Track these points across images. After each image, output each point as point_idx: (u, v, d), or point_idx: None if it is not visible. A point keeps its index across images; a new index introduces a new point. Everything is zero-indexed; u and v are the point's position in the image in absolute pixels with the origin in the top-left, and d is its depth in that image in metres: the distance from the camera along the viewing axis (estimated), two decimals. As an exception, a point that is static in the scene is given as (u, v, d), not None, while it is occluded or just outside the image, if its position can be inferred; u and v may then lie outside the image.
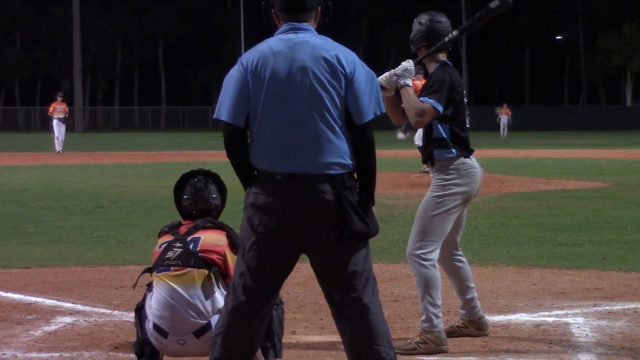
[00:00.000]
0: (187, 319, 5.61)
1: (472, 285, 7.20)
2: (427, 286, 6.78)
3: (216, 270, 5.67)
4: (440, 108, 6.71)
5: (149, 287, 5.90)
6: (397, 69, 6.73)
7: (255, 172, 4.96)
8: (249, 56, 4.98)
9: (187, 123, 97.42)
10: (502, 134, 60.55)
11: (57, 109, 41.07)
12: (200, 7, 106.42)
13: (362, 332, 4.93)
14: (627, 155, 35.35)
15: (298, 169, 4.87)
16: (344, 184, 4.89)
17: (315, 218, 4.87)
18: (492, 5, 6.67)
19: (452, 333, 7.06)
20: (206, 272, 5.65)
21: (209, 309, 5.63)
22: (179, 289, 5.62)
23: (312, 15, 5.08)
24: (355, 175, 4.98)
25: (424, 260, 6.80)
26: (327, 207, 4.86)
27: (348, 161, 4.92)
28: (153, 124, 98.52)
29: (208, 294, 5.64)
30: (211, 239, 5.78)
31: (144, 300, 5.90)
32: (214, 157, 34.66)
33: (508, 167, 26.70)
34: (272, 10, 5.09)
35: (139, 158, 35.39)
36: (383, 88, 6.67)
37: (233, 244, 5.76)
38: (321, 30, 5.15)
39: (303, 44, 4.96)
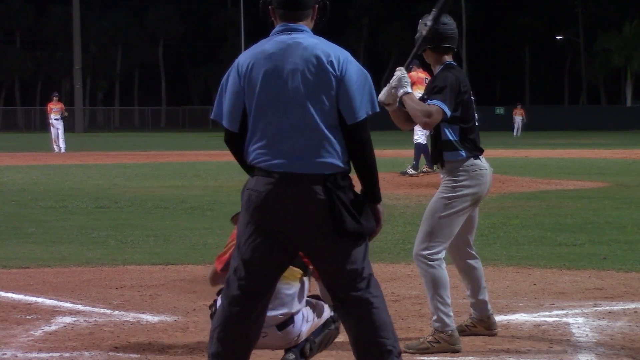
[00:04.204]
0: (275, 314, 5.65)
1: (485, 285, 7.21)
2: (435, 286, 6.79)
3: (310, 272, 5.75)
4: (446, 109, 6.68)
5: None
6: (391, 81, 6.72)
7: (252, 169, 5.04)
8: (243, 60, 5.05)
9: (187, 123, 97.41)
10: (515, 134, 60.83)
11: (53, 109, 41.34)
12: (200, 7, 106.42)
13: (366, 326, 4.99)
14: (627, 155, 35.34)
15: (291, 168, 4.93)
16: (336, 183, 4.94)
17: (309, 217, 4.92)
18: None
19: (460, 332, 7.03)
20: (301, 272, 5.76)
21: (296, 305, 5.73)
22: (280, 283, 5.39)
23: (309, 14, 5.11)
24: (350, 175, 5.01)
25: (430, 261, 6.80)
26: (319, 206, 4.91)
27: (341, 161, 4.97)
28: (153, 124, 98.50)
29: (299, 293, 5.76)
30: None
31: None
32: (214, 157, 34.67)
33: (508, 167, 26.67)
34: (270, 7, 5.13)
35: (139, 158, 35.36)
36: (387, 104, 6.70)
37: None
38: (321, 30, 5.16)
39: (295, 45, 5.00)
